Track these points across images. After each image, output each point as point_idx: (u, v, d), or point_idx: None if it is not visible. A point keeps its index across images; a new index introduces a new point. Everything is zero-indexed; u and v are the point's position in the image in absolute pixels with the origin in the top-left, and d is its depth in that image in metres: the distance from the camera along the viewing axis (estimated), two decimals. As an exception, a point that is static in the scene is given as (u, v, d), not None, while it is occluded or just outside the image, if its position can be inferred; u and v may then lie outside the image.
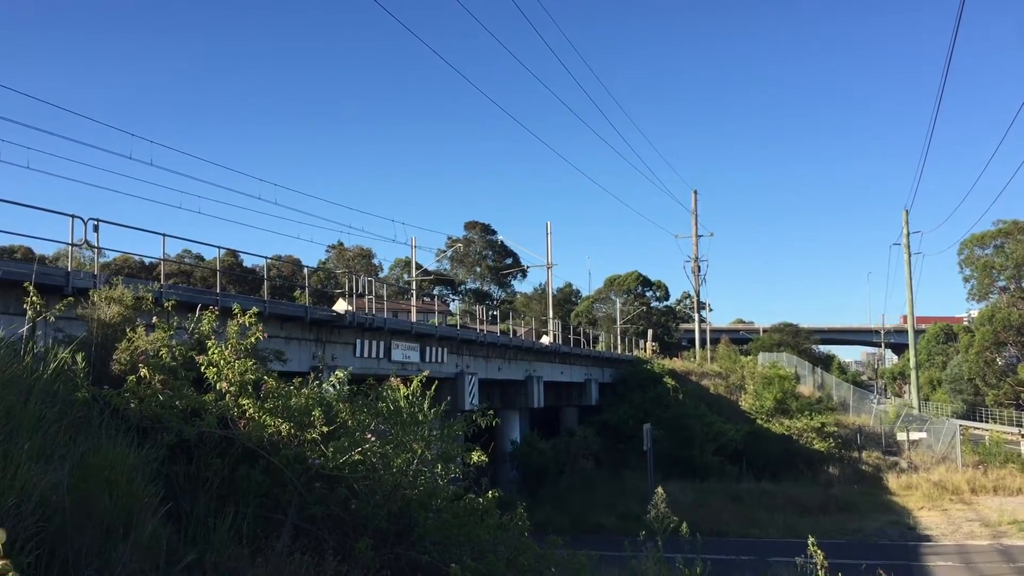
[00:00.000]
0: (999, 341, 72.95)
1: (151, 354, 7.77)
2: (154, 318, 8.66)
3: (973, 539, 30.57)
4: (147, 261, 70.20)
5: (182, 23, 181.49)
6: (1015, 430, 62.73)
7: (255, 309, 8.90)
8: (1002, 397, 73.24)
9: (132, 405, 7.16)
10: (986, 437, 52.27)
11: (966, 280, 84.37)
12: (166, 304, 9.24)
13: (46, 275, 15.56)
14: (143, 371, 7.51)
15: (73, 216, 16.38)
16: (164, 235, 19.80)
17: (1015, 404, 71.70)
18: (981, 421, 72.19)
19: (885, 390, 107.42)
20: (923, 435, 47.99)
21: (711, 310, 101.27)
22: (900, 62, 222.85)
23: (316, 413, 7.83)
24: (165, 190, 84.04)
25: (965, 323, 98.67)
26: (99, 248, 17.34)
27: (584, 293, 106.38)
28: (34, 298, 7.82)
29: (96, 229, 16.76)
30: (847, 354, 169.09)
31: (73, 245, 16.70)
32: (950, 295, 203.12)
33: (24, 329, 7.58)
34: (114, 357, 7.84)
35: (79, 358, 7.17)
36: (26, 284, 7.99)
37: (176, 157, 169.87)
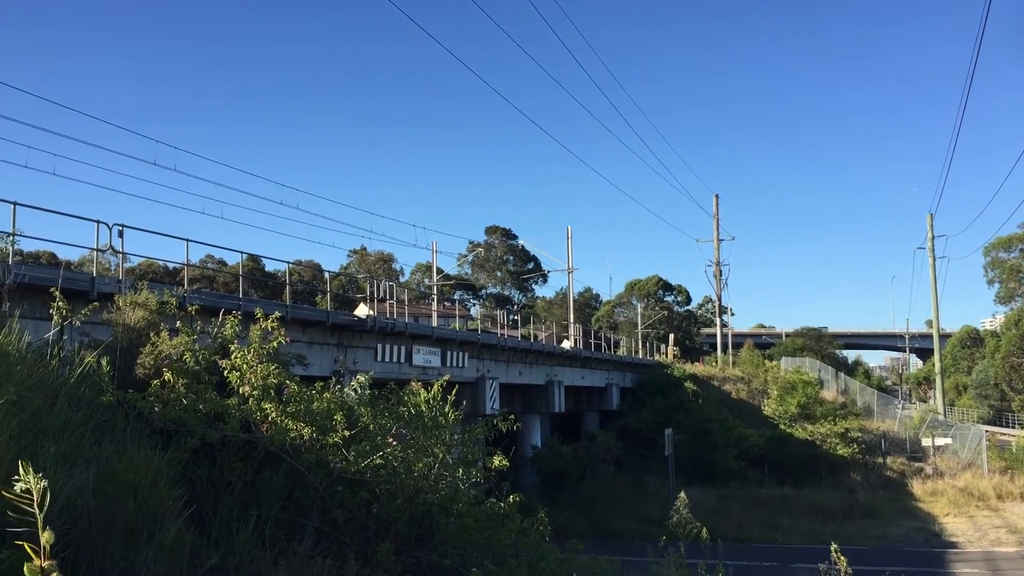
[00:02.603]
0: (1026, 346, 72.07)
1: (175, 358, 7.83)
2: (178, 322, 8.73)
3: (1000, 546, 30.20)
4: (171, 266, 70.77)
5: (208, 26, 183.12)
6: (1042, 436, 62.00)
7: (277, 314, 8.95)
8: (1029, 402, 72.36)
9: (156, 409, 7.23)
10: (1013, 443, 51.65)
11: (990, 283, 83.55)
12: (190, 309, 9.32)
13: (72, 280, 15.70)
14: (167, 375, 7.57)
15: (99, 222, 16.54)
16: (187, 240, 19.97)
17: (1042, 410, 70.82)
18: (1008, 427, 71.33)
19: (910, 395, 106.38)
20: (948, 441, 47.48)
21: (733, 314, 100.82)
22: (925, 66, 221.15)
23: (338, 417, 7.87)
24: (188, 195, 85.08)
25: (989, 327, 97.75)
26: (124, 253, 17.51)
27: (605, 297, 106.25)
28: (60, 303, 7.90)
29: (121, 234, 16.91)
30: (871, 359, 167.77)
31: (98, 250, 16.85)
32: (976, 300, 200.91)
33: (51, 333, 7.67)
34: (138, 361, 7.92)
35: (104, 362, 7.24)
36: (52, 289, 8.08)
37: (199, 163, 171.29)
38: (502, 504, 8.71)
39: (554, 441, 40.61)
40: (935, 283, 60.59)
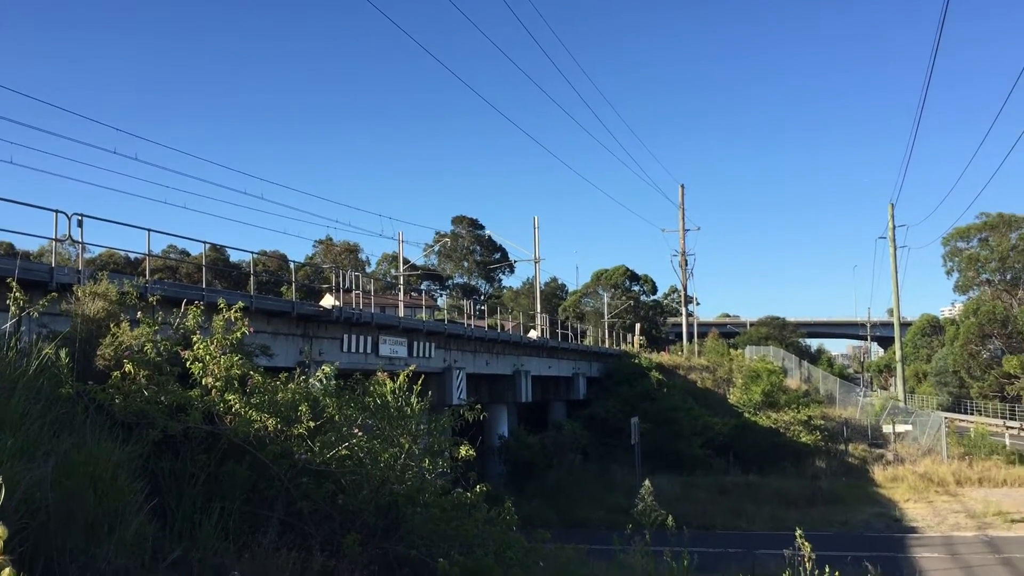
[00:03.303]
0: (984, 334, 73.40)
1: (136, 349, 7.72)
2: (139, 313, 8.61)
3: (959, 531, 30.75)
4: (132, 256, 69.97)
5: (166, 17, 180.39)
6: (1000, 422, 63.17)
7: (241, 304, 8.86)
8: (987, 389, 73.69)
9: (117, 401, 7.12)
10: (971, 429, 52.61)
11: (949, 273, 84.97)
12: (151, 299, 9.20)
13: (30, 270, 15.42)
14: (128, 366, 7.46)
15: (57, 211, 16.25)
16: (149, 230, 19.70)
17: (1000, 396, 72.15)
18: (966, 413, 72.61)
19: (871, 383, 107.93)
20: (909, 427, 48.24)
21: (698, 304, 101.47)
22: (886, 55, 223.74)
23: (303, 408, 7.81)
24: (151, 185, 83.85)
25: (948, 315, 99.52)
26: (83, 243, 17.22)
27: (571, 288, 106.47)
28: (17, 293, 7.76)
29: (80, 224, 16.64)
30: (833, 347, 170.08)
31: (57, 240, 16.57)
32: (935, 288, 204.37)
33: (8, 325, 7.52)
34: (98, 352, 7.79)
35: (63, 354, 7.11)
36: (9, 280, 7.93)
37: (162, 152, 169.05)
38: (469, 494, 8.71)
39: (521, 431, 40.69)
40: (895, 272, 61.46)
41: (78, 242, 16.97)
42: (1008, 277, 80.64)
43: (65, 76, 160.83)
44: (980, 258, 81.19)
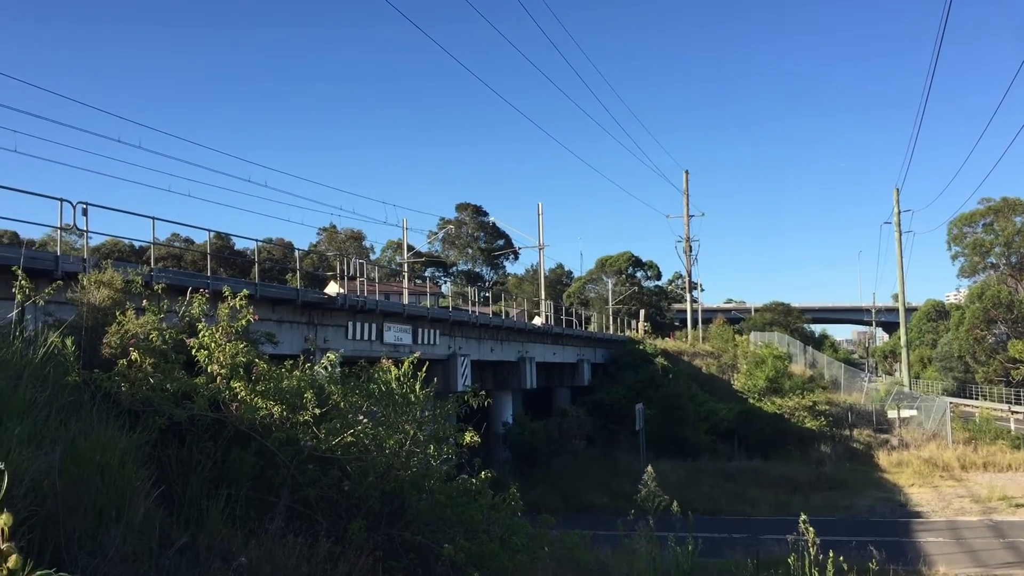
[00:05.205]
0: (989, 318, 73.16)
1: (141, 337, 7.74)
2: (144, 301, 8.63)
3: (964, 515, 30.79)
4: (137, 245, 69.91)
5: (170, 6, 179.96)
6: (1005, 407, 63.08)
7: (245, 292, 8.87)
8: (992, 374, 73.54)
9: (123, 388, 7.15)
10: (976, 414, 52.57)
11: (954, 258, 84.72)
12: (156, 287, 9.21)
13: (35, 259, 15.45)
14: (133, 354, 7.48)
15: (62, 200, 16.26)
16: (153, 218, 19.69)
17: (1005, 381, 72.01)
18: (971, 398, 72.50)
19: (876, 368, 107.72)
20: (914, 412, 48.23)
21: (703, 290, 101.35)
22: (892, 41, 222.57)
23: (308, 395, 7.83)
24: (155, 173, 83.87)
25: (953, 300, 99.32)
26: (88, 232, 17.24)
27: (576, 274, 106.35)
28: (23, 282, 7.77)
29: (85, 213, 16.64)
30: (838, 333, 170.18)
31: (62, 229, 16.60)
32: (940, 273, 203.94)
33: (13, 313, 7.54)
34: (104, 340, 7.82)
35: (69, 342, 7.14)
36: (15, 268, 7.94)
37: (165, 140, 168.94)
38: (474, 480, 8.73)
39: (526, 417, 40.75)
40: (901, 257, 61.28)
41: (83, 230, 17.00)
42: (1013, 261, 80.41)
43: (68, 64, 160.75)
44: (985, 243, 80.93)
